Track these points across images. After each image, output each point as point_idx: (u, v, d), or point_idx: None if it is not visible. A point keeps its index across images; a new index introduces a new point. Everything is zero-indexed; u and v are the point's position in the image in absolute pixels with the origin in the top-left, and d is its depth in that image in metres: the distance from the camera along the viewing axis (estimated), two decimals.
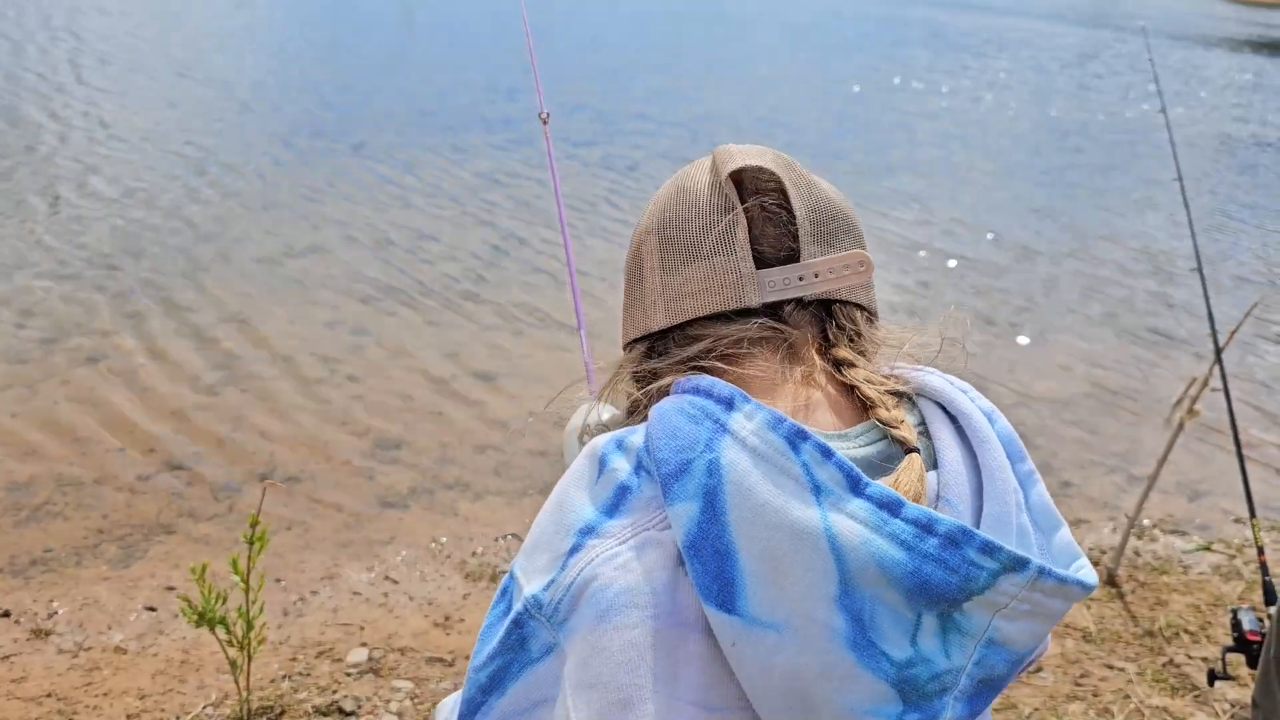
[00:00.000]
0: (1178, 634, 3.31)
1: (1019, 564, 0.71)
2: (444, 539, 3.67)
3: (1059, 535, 0.82)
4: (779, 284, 0.84)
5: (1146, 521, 4.06)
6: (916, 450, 0.78)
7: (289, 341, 5.03)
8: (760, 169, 0.87)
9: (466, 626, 3.18)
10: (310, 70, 11.92)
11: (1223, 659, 2.64)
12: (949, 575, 0.69)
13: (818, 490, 0.70)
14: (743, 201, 0.86)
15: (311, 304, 5.48)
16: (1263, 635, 2.52)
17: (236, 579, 2.61)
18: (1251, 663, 2.52)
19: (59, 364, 4.56)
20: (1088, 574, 0.78)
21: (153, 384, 4.47)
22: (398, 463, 4.14)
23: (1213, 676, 2.69)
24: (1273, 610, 2.63)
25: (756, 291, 0.84)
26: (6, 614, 3.07)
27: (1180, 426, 3.41)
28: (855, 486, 0.70)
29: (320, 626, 3.15)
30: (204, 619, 2.56)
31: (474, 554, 3.59)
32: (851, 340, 0.88)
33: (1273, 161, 12.16)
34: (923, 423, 0.84)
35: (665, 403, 0.79)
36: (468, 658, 3.04)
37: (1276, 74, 20.65)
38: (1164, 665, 3.15)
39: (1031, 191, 9.62)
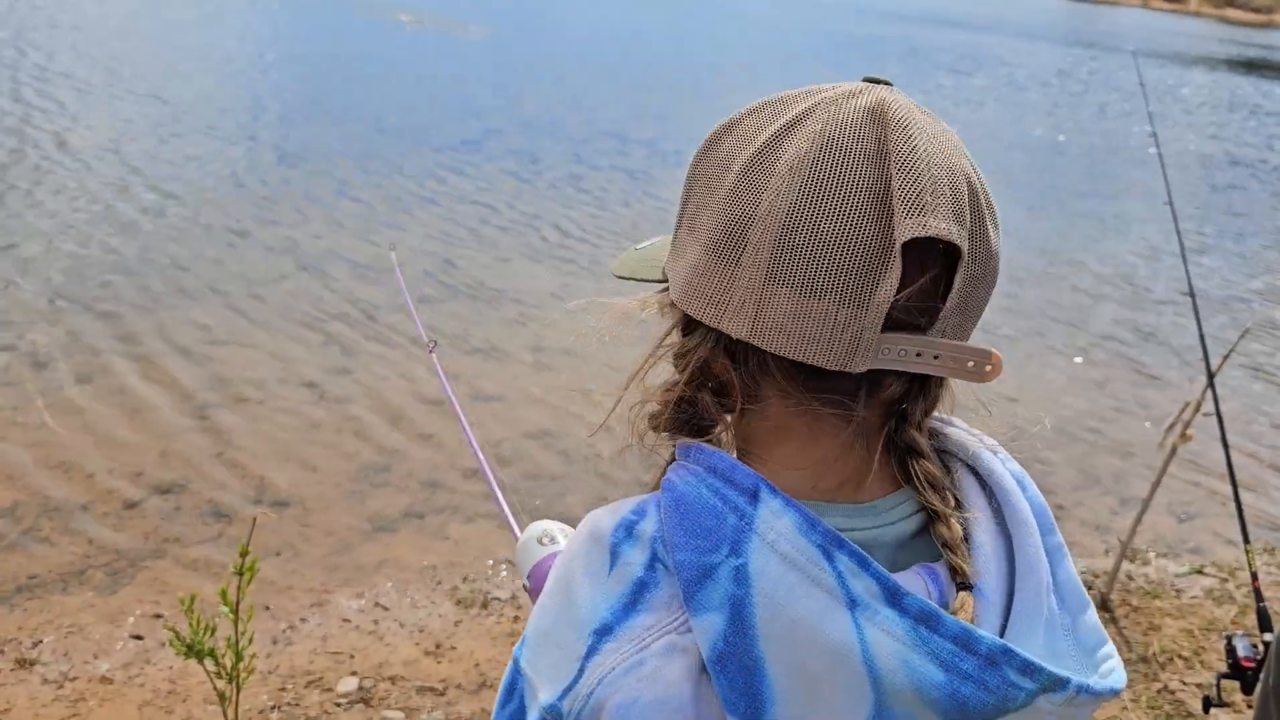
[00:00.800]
0: (1171, 659, 3.32)
1: (1059, 684, 0.69)
2: (435, 564, 3.64)
3: (1086, 617, 0.79)
4: (894, 355, 0.69)
5: (1139, 544, 4.07)
6: (970, 588, 0.74)
7: (276, 364, 4.99)
8: (948, 245, 0.68)
9: (458, 654, 3.15)
10: (302, 88, 11.89)
11: (1217, 686, 2.63)
12: (986, 696, 0.66)
13: (853, 604, 0.66)
14: (905, 264, 0.67)
15: (298, 326, 5.44)
16: (1258, 662, 2.52)
17: (226, 610, 2.58)
18: (1246, 689, 2.52)
19: (44, 387, 4.50)
20: (1118, 676, 0.76)
21: (139, 407, 4.43)
22: (387, 485, 4.11)
23: (1208, 703, 2.68)
24: (1268, 637, 2.63)
25: (868, 358, 0.69)
26: None
27: (1173, 451, 3.42)
28: (893, 599, 0.67)
29: (309, 655, 3.12)
30: (192, 650, 2.52)
31: (465, 579, 3.56)
32: (926, 413, 0.77)
33: (1247, 180, 12.29)
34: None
35: (680, 483, 0.72)
36: (459, 686, 3.03)
37: (1254, 93, 20.90)
38: (1158, 691, 3.15)
39: (1008, 211, 9.68)
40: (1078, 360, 6.09)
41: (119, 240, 6.36)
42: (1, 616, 3.16)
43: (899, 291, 0.67)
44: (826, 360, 0.68)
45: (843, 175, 0.68)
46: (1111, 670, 0.77)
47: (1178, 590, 3.79)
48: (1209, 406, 3.29)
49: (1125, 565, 3.87)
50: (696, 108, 13.16)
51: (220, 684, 2.57)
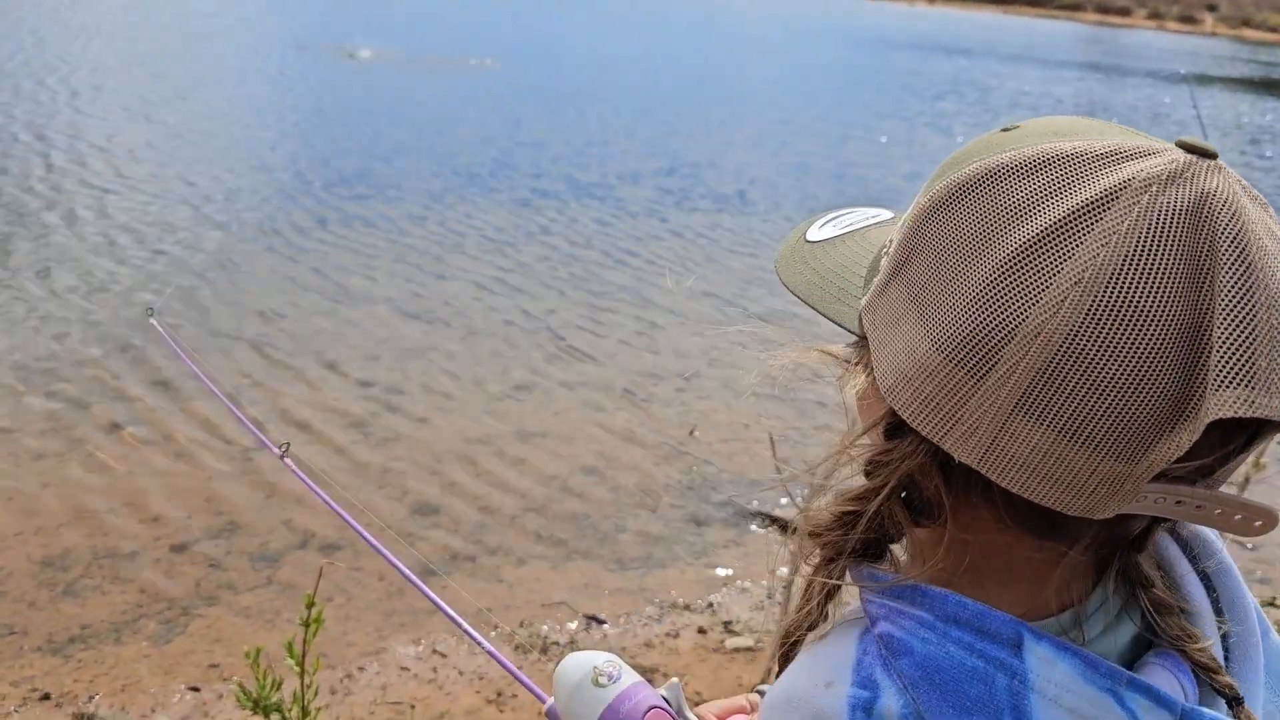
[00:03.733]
0: None
1: None
2: (490, 608, 3.57)
3: (1272, 638, 0.73)
4: (1150, 503, 0.57)
5: None
6: (1240, 700, 0.65)
7: (319, 404, 4.96)
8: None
9: (519, 703, 3.08)
10: (334, 120, 11.96)
11: None
12: None
13: None
14: (1204, 435, 0.54)
15: (340, 365, 5.41)
16: None
17: (291, 662, 2.52)
18: None
19: (88, 432, 4.48)
20: None
21: (184, 450, 4.40)
22: (437, 528, 4.05)
23: None
24: None
25: (1121, 507, 0.57)
26: (47, 696, 2.97)
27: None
28: None
29: (369, 705, 3.05)
30: (259, 706, 2.46)
31: (521, 624, 3.49)
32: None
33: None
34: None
35: (919, 643, 0.61)
36: None
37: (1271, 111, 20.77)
38: None
39: None
40: None
41: (151, 282, 6.36)
42: (55, 668, 3.11)
43: (1183, 459, 0.54)
44: (1071, 507, 0.57)
45: (1147, 307, 0.53)
46: None
47: None
48: None
49: None
50: (693, 142, 13.18)
51: None
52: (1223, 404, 0.52)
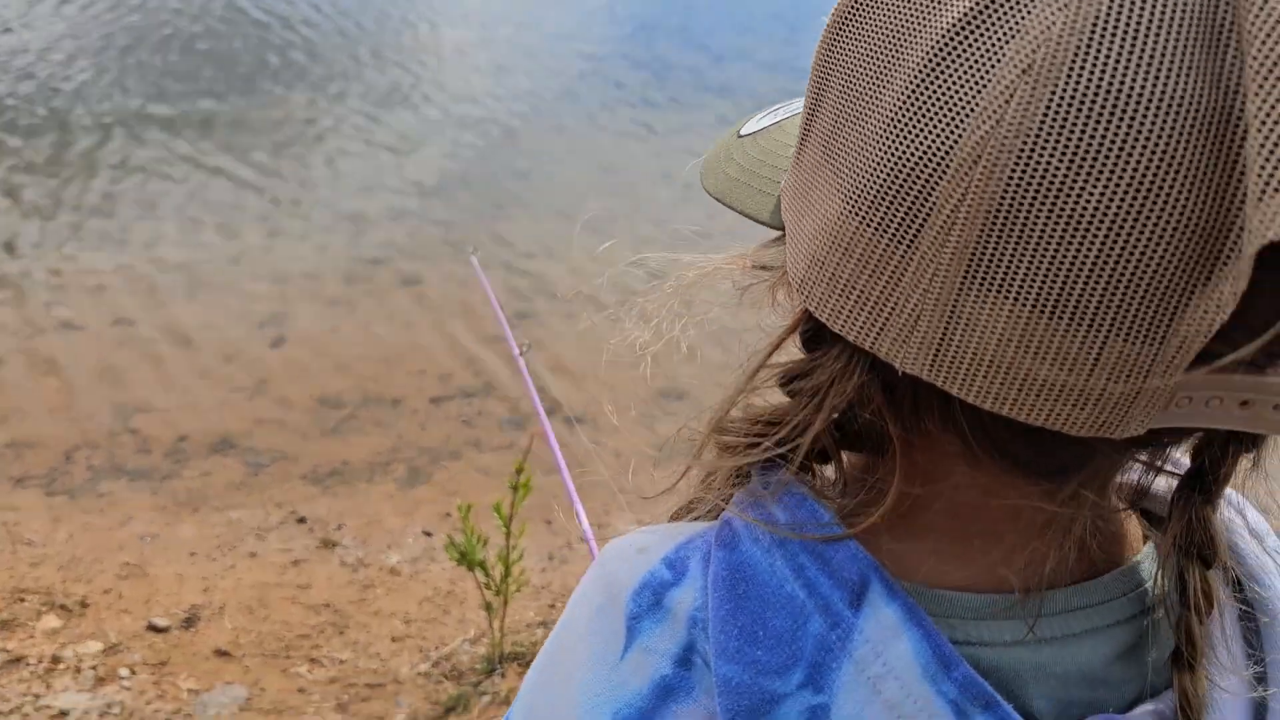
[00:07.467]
0: None
1: None
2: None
3: None
4: (1200, 406, 0.36)
5: None
6: None
7: (587, 278, 5.05)
8: None
9: None
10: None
11: None
12: None
13: None
14: (1258, 275, 0.31)
15: (596, 252, 5.48)
16: None
17: (499, 522, 2.60)
18: None
19: (380, 285, 4.82)
20: None
21: (457, 311, 4.63)
22: (676, 414, 4.02)
23: None
24: None
25: (1149, 416, 0.36)
26: (302, 520, 3.26)
27: None
28: None
29: (580, 576, 3.11)
30: (465, 559, 2.56)
31: None
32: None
33: None
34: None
35: (748, 540, 0.46)
36: None
37: None
38: None
39: None
40: None
41: (469, 153, 6.70)
42: (315, 496, 3.40)
43: (1234, 328, 0.33)
44: (1075, 423, 0.36)
45: (1139, 90, 0.32)
46: None
47: None
48: None
49: None
50: None
51: (489, 595, 2.61)
52: (1275, 218, 0.29)
